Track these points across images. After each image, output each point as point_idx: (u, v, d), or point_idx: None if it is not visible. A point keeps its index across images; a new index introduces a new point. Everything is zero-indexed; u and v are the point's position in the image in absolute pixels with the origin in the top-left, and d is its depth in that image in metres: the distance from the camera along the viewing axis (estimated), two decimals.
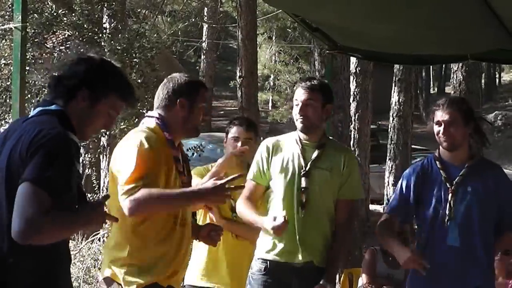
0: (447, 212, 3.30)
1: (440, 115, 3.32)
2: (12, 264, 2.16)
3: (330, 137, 3.67)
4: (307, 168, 3.34)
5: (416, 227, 3.59)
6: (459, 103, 3.36)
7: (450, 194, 3.31)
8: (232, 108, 24.74)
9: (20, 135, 2.21)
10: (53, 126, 2.22)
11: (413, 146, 12.71)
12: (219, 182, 2.73)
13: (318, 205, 3.35)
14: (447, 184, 3.33)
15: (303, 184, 3.33)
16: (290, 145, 3.42)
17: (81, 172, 10.79)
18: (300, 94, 3.36)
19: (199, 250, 3.77)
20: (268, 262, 3.36)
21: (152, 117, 2.94)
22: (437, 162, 3.39)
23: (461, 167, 3.35)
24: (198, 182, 3.37)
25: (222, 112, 26.59)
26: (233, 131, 3.77)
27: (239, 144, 3.72)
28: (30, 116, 2.35)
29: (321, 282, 3.30)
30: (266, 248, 3.38)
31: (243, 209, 3.44)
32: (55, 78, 2.39)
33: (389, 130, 11.35)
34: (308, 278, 3.32)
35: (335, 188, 3.38)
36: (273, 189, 3.42)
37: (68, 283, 2.38)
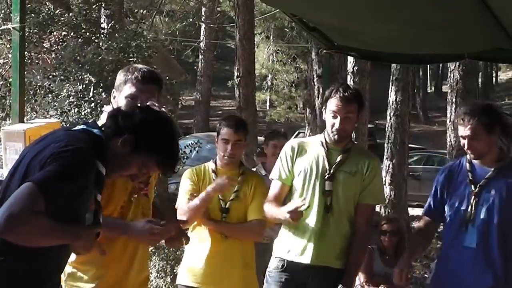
0: (467, 215, 3.31)
1: (463, 130, 3.33)
2: (3, 263, 2.16)
3: (355, 142, 3.68)
4: (331, 171, 3.36)
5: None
6: (480, 114, 3.32)
7: (473, 197, 3.32)
8: (230, 108, 24.74)
9: (50, 142, 2.22)
10: (84, 146, 2.20)
11: (410, 145, 12.73)
12: (155, 227, 2.62)
13: (340, 208, 3.36)
14: (472, 186, 3.34)
15: (327, 187, 3.34)
16: (315, 147, 3.43)
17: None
18: (338, 106, 3.33)
19: (191, 250, 3.78)
20: (285, 261, 3.39)
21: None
22: (467, 164, 3.41)
23: (489, 170, 3.36)
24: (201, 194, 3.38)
25: (220, 112, 26.61)
26: (224, 133, 3.77)
27: (229, 146, 3.74)
28: (72, 129, 2.35)
29: (339, 286, 3.32)
30: (285, 247, 3.41)
31: (269, 209, 3.45)
32: (116, 110, 2.39)
33: (386, 129, 11.37)
34: (324, 279, 3.34)
35: (357, 192, 3.39)
36: (295, 189, 3.43)
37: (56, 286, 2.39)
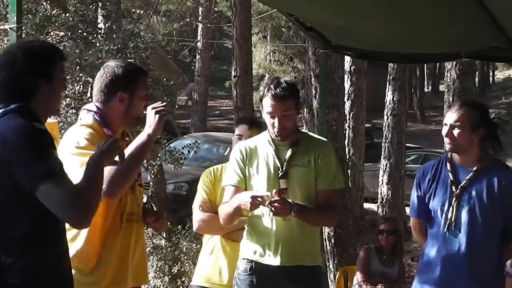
0: (448, 216, 3.26)
1: (448, 116, 3.28)
2: (8, 265, 2.18)
3: (303, 131, 3.52)
4: (283, 169, 3.26)
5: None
6: (471, 107, 3.28)
7: (454, 198, 3.26)
8: (227, 108, 24.75)
9: None
10: (13, 123, 2.23)
11: (407, 144, 12.74)
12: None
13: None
14: (453, 187, 3.28)
15: (282, 185, 3.23)
16: (264, 146, 3.32)
17: None
18: (273, 106, 3.20)
19: (204, 252, 3.80)
20: (253, 262, 3.30)
21: (90, 111, 2.84)
22: (448, 164, 3.34)
23: (470, 171, 3.28)
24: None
25: (217, 112, 26.60)
26: (238, 129, 3.77)
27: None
28: None
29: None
30: (250, 248, 3.33)
31: (222, 209, 3.34)
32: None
33: (383, 128, 11.39)
34: (295, 278, 3.27)
35: (313, 182, 3.29)
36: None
37: (65, 282, 2.40)
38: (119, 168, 2.54)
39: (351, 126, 10.35)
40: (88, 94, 7.87)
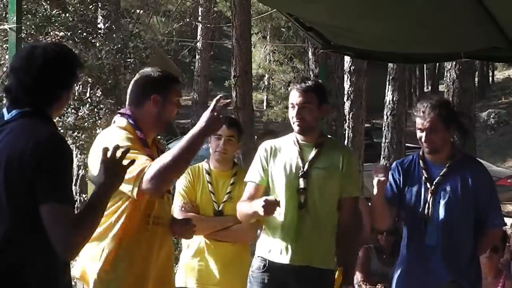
0: (425, 212, 3.34)
1: (421, 122, 3.36)
2: (19, 268, 2.19)
3: (329, 136, 3.66)
4: (305, 169, 3.34)
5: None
6: (440, 108, 3.38)
7: (429, 194, 3.36)
8: (227, 108, 24.70)
9: (11, 141, 2.21)
10: (44, 132, 2.23)
11: (407, 144, 12.74)
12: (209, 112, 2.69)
13: (316, 205, 3.34)
14: (428, 184, 3.38)
15: (301, 185, 3.32)
16: (288, 146, 3.42)
17: (76, 172, 10.73)
18: (295, 97, 3.36)
19: (188, 254, 3.80)
20: (267, 260, 3.37)
21: (124, 114, 2.89)
22: (421, 162, 3.44)
23: (443, 167, 3.40)
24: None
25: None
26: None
27: (221, 142, 3.75)
28: (9, 119, 2.31)
29: (342, 286, 3.35)
30: (266, 247, 3.39)
31: (240, 207, 3.43)
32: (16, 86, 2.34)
33: (383, 128, 11.39)
34: (306, 279, 3.32)
35: (335, 187, 3.38)
36: (273, 191, 3.41)
37: (69, 284, 2.41)
38: (167, 163, 2.56)
39: (350, 126, 10.33)
40: (88, 94, 7.87)
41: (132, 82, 2.96)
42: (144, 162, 2.62)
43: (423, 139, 3.38)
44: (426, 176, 3.40)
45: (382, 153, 11.10)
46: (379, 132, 13.50)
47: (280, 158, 3.40)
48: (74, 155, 10.58)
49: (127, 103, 2.95)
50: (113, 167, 2.29)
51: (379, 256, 5.42)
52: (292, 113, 3.39)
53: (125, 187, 2.59)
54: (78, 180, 10.31)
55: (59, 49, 2.41)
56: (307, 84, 3.39)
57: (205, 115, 2.67)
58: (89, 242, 2.79)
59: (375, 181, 3.31)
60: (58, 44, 2.59)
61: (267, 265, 3.37)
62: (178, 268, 3.84)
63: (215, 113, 2.67)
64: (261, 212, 3.14)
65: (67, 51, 2.42)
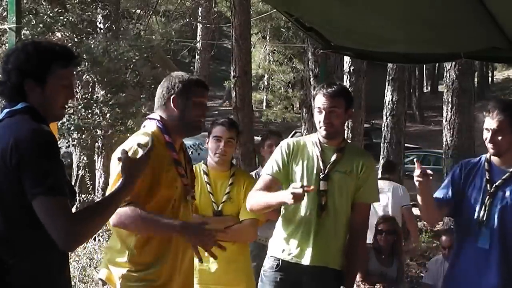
0: (481, 214, 3.29)
1: (489, 122, 3.29)
2: (11, 265, 2.18)
3: (349, 141, 3.65)
4: (326, 171, 3.34)
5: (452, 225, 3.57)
6: (510, 110, 3.29)
7: (487, 197, 3.30)
8: (227, 108, 24.76)
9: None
10: (26, 128, 2.21)
11: (406, 144, 12.75)
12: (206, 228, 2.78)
13: (336, 208, 3.35)
14: (488, 186, 3.32)
15: (322, 187, 3.32)
16: (310, 147, 3.41)
17: (75, 172, 10.71)
18: (322, 101, 3.34)
19: None
20: (280, 260, 3.37)
21: (153, 119, 2.92)
22: (486, 164, 3.38)
23: (507, 171, 3.32)
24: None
25: (216, 112, 26.58)
26: (215, 130, 3.78)
27: (222, 144, 3.75)
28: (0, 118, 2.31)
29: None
30: (280, 246, 3.40)
31: (257, 196, 3.37)
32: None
33: (382, 128, 11.39)
34: (320, 280, 3.33)
35: (352, 191, 3.38)
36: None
37: (66, 283, 2.41)
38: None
39: (350, 126, 10.31)
40: (90, 95, 7.87)
41: (159, 86, 2.99)
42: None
43: (487, 140, 3.31)
44: (487, 178, 3.34)
45: (381, 153, 11.10)
46: (379, 132, 13.52)
47: (300, 158, 3.39)
48: (74, 156, 10.60)
49: (155, 108, 2.98)
50: (129, 168, 2.33)
51: (378, 256, 5.42)
52: (319, 118, 3.36)
53: None
54: (78, 180, 10.33)
55: (39, 42, 2.41)
56: (334, 89, 3.37)
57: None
58: (114, 244, 2.84)
59: (417, 184, 3.23)
60: (49, 41, 2.54)
61: (280, 264, 3.38)
62: None
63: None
64: (289, 200, 3.08)
65: (45, 44, 2.38)
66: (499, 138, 3.28)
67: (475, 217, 3.32)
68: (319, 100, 3.36)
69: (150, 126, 2.92)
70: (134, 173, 2.35)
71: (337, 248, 3.38)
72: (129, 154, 2.48)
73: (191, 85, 2.92)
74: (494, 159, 3.38)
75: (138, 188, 2.59)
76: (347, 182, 3.37)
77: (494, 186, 3.31)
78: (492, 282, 3.29)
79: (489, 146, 3.33)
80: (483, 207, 3.30)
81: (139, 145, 2.65)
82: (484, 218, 3.29)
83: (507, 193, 3.29)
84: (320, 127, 3.36)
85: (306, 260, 3.32)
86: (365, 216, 3.46)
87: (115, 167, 2.69)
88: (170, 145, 2.87)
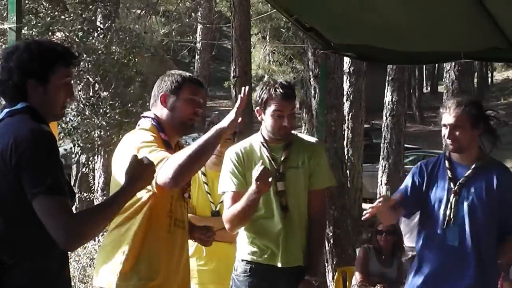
0: (447, 213, 3.28)
1: (446, 118, 3.28)
2: (11, 265, 2.18)
3: (294, 133, 3.49)
4: (280, 171, 3.28)
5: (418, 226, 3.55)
6: (467, 106, 3.27)
7: (452, 195, 3.29)
8: (226, 108, 24.75)
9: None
10: (25, 127, 2.21)
11: (406, 145, 12.76)
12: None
13: (297, 205, 3.31)
14: (451, 184, 3.31)
15: (280, 187, 3.26)
16: (258, 149, 3.34)
17: (76, 171, 10.68)
18: (282, 105, 3.24)
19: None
20: (252, 264, 3.32)
21: (147, 117, 2.90)
22: (446, 162, 3.36)
23: (469, 168, 3.31)
24: None
25: (216, 112, 26.58)
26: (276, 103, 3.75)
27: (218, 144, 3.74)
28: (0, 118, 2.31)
29: (305, 277, 3.26)
30: (249, 250, 3.34)
31: (231, 212, 3.28)
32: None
33: (382, 129, 11.41)
34: (293, 277, 3.30)
35: (307, 183, 3.33)
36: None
37: (66, 283, 2.40)
38: (186, 156, 2.54)
39: (350, 127, 10.35)
40: (90, 95, 7.87)
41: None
42: (162, 156, 2.60)
43: (446, 136, 3.28)
44: (450, 176, 3.32)
45: (381, 153, 11.11)
46: (378, 133, 13.53)
47: (253, 162, 3.29)
48: (74, 156, 10.59)
49: (150, 105, 2.95)
50: (137, 170, 2.32)
51: (378, 257, 5.42)
52: (278, 121, 3.27)
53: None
54: (77, 180, 10.33)
55: (41, 41, 2.39)
56: (290, 89, 3.29)
57: (230, 114, 2.69)
58: (109, 245, 2.82)
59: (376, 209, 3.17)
60: (50, 40, 2.53)
61: (253, 267, 3.32)
62: None
63: (238, 115, 2.67)
64: (258, 187, 3.03)
65: (47, 44, 2.38)
66: (458, 133, 3.25)
67: (442, 216, 3.30)
68: (278, 104, 3.25)
69: (145, 124, 2.88)
70: (139, 176, 2.34)
71: (303, 244, 3.33)
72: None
73: (182, 83, 2.87)
74: (455, 156, 3.35)
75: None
76: (301, 175, 3.31)
77: (458, 184, 3.29)
78: (468, 280, 3.28)
79: (448, 142, 3.30)
80: (449, 206, 3.28)
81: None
82: (452, 217, 3.27)
83: (472, 190, 3.28)
84: (280, 132, 3.28)
85: (279, 262, 3.28)
86: (323, 202, 3.40)
87: (119, 164, 2.67)
88: (167, 143, 2.83)
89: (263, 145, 3.33)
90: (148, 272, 2.77)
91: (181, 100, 2.85)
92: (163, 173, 2.54)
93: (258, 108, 3.33)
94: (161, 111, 2.86)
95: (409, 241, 5.55)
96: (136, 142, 2.70)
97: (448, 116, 3.27)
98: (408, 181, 3.45)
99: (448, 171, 3.33)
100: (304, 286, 3.26)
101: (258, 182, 3.02)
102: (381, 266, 5.38)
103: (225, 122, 2.67)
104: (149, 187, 2.54)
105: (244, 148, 3.36)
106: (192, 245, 3.72)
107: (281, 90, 3.25)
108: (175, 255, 2.85)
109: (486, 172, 3.30)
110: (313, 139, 3.57)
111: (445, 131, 3.29)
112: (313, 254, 3.33)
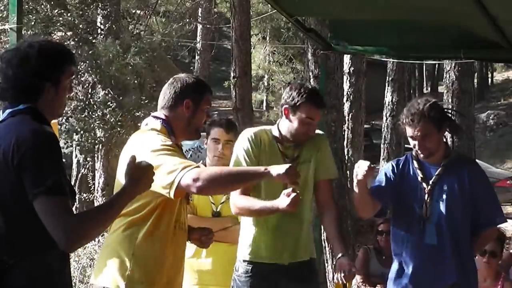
0: (423, 212, 3.33)
1: (412, 131, 3.31)
2: (11, 266, 2.18)
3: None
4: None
5: (391, 226, 3.58)
6: (428, 113, 3.30)
7: (426, 194, 3.34)
8: (226, 109, 24.76)
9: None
10: (27, 128, 2.22)
11: (406, 145, 12.74)
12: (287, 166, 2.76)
13: (307, 199, 3.35)
14: (424, 183, 3.36)
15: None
16: (270, 144, 3.37)
17: (76, 172, 10.69)
18: (314, 112, 3.32)
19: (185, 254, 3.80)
20: (253, 264, 3.33)
21: (158, 118, 2.90)
22: (415, 162, 3.42)
23: (438, 166, 3.37)
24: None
25: (216, 113, 26.59)
26: (214, 133, 3.78)
27: (220, 146, 3.75)
28: (2, 119, 2.32)
29: (339, 256, 3.23)
30: (250, 249, 3.35)
31: (247, 201, 3.28)
32: (7, 82, 2.33)
33: (382, 129, 11.41)
34: (294, 274, 3.31)
35: (313, 177, 3.38)
36: (257, 189, 3.32)
37: (67, 284, 2.41)
38: (228, 174, 2.68)
39: (350, 127, 10.34)
40: (89, 95, 7.88)
41: (165, 86, 2.97)
42: (184, 161, 2.65)
43: (417, 147, 3.35)
44: (421, 176, 3.38)
45: (381, 154, 11.11)
46: (378, 133, 13.53)
47: (264, 156, 3.33)
48: (74, 156, 10.60)
49: (159, 106, 2.95)
50: (136, 173, 2.33)
51: (379, 257, 5.42)
52: (305, 127, 3.33)
53: (162, 188, 2.62)
54: (77, 181, 10.34)
55: (45, 43, 2.41)
56: (320, 97, 3.40)
57: (282, 167, 2.74)
58: (111, 245, 2.83)
59: (354, 178, 3.24)
60: (51, 41, 2.56)
61: (254, 268, 3.33)
62: None
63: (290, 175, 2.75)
64: (287, 208, 3.01)
65: (54, 46, 2.41)
66: (426, 143, 3.31)
67: (417, 215, 3.34)
68: (310, 110, 3.31)
69: (154, 124, 2.88)
70: (138, 178, 2.34)
71: (305, 237, 3.36)
72: None
73: (204, 92, 2.94)
74: (422, 156, 3.40)
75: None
76: (311, 169, 3.37)
77: (430, 183, 3.34)
78: (450, 276, 3.33)
79: (419, 152, 3.36)
80: (424, 205, 3.33)
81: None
82: (427, 216, 3.32)
83: (445, 188, 3.33)
84: (304, 136, 3.33)
85: (282, 259, 3.30)
86: (329, 192, 3.45)
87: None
88: (178, 147, 2.87)
89: (276, 140, 3.37)
90: (154, 275, 2.77)
91: (201, 109, 2.92)
92: (192, 177, 2.58)
93: (286, 107, 3.35)
94: (179, 116, 2.88)
95: None
96: (155, 144, 2.71)
97: (413, 129, 3.31)
98: (381, 176, 3.50)
99: (419, 171, 3.38)
100: (341, 263, 3.22)
101: (287, 206, 2.98)
102: (381, 267, 5.39)
103: (278, 170, 2.71)
104: (163, 191, 2.59)
105: (262, 132, 3.40)
106: (192, 246, 3.72)
107: (317, 99, 3.33)
108: (178, 257, 2.87)
109: (457, 169, 3.37)
110: (319, 134, 3.57)
111: (413, 142, 3.35)
112: (338, 236, 3.34)
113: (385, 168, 3.53)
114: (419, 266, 3.37)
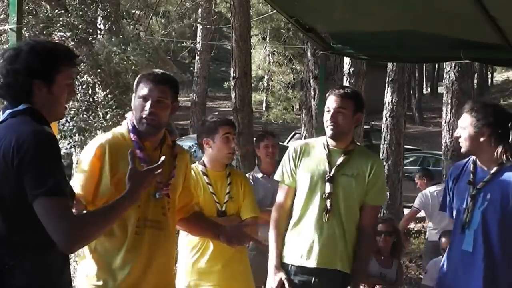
0: (464, 217, 3.28)
1: (462, 123, 3.30)
2: (12, 266, 2.19)
3: (359, 144, 3.63)
4: (331, 174, 3.35)
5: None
6: (475, 109, 3.28)
7: (470, 199, 3.28)
8: (226, 109, 24.77)
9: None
10: (27, 129, 2.22)
11: (405, 146, 12.76)
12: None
13: (342, 211, 3.35)
14: (471, 188, 3.29)
15: (328, 189, 3.33)
16: (318, 149, 3.44)
17: (73, 173, 10.67)
18: (332, 101, 3.39)
19: (186, 253, 3.79)
20: (289, 265, 3.39)
21: (126, 118, 2.92)
22: (472, 165, 3.36)
23: (489, 172, 3.29)
24: None
25: (216, 113, 26.60)
26: (223, 130, 3.78)
27: (232, 143, 3.80)
28: (1, 120, 2.32)
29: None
30: (286, 250, 3.41)
31: (272, 232, 3.45)
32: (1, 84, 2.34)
33: (382, 130, 11.41)
34: (328, 282, 3.34)
35: (360, 194, 3.38)
36: (297, 191, 3.42)
37: (67, 284, 2.41)
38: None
39: None
40: (89, 95, 7.87)
41: None
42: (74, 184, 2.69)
43: (456, 136, 3.38)
44: (471, 179, 3.32)
45: (381, 154, 11.10)
46: (378, 134, 13.52)
47: (308, 159, 3.42)
48: (74, 156, 10.59)
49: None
50: (136, 177, 2.36)
51: (378, 257, 5.42)
52: (326, 117, 3.41)
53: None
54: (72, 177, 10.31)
55: (41, 42, 2.41)
56: (346, 91, 3.44)
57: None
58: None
59: None
60: (50, 41, 2.56)
61: (288, 269, 3.38)
62: (177, 269, 3.84)
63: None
64: (273, 285, 3.32)
65: (47, 44, 2.40)
66: (462, 133, 3.29)
67: (461, 219, 3.30)
68: (329, 100, 3.41)
69: (122, 125, 2.90)
70: (139, 183, 2.36)
71: (345, 251, 3.37)
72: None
73: (138, 85, 2.85)
74: (479, 160, 3.32)
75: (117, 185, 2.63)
76: (354, 185, 3.37)
77: (476, 188, 3.27)
78: (476, 284, 3.25)
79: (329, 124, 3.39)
80: (466, 210, 3.28)
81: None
82: (467, 221, 3.26)
83: (488, 196, 3.24)
84: (327, 126, 3.40)
85: (311, 263, 3.33)
86: (373, 219, 3.48)
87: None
88: (137, 144, 2.78)
89: (324, 146, 3.45)
90: (112, 273, 2.73)
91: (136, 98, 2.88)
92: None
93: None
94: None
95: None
96: (83, 152, 2.81)
97: (462, 125, 3.29)
98: (445, 188, 3.51)
99: (471, 175, 3.33)
100: None
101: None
102: (380, 267, 5.38)
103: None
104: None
105: (306, 144, 3.53)
106: (196, 246, 3.73)
107: (338, 90, 3.46)
108: (143, 255, 2.76)
109: (505, 178, 3.24)
110: (375, 154, 3.62)
111: (457, 134, 3.33)
112: (358, 268, 3.39)
113: (448, 175, 3.50)
114: (449, 271, 3.35)
